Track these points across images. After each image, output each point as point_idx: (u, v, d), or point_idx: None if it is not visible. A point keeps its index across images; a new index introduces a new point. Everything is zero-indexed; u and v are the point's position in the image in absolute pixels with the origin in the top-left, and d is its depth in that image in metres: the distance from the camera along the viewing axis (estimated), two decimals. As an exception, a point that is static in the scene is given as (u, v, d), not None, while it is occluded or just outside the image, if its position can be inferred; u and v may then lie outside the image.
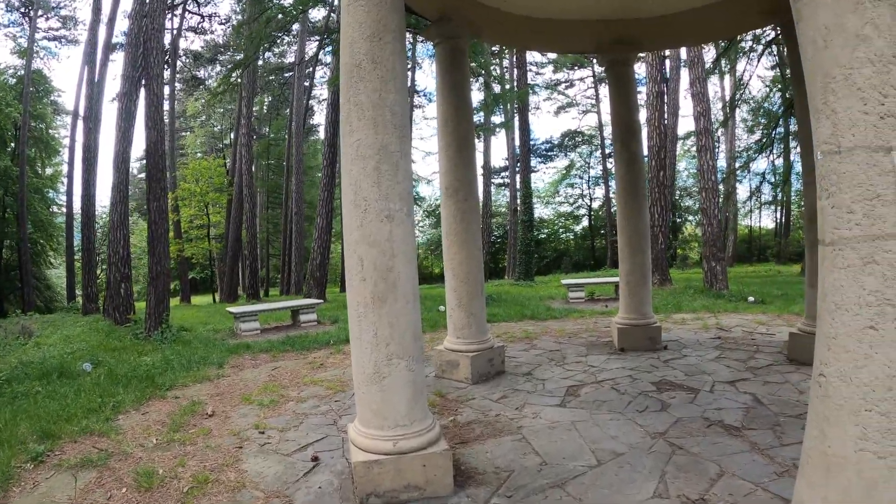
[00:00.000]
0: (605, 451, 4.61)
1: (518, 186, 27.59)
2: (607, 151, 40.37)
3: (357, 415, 4.25)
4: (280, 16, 18.98)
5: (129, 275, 14.31)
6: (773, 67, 23.69)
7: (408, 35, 18.72)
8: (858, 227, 2.22)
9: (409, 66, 27.77)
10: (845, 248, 2.26)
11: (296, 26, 28.10)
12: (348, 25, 4.14)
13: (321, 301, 15.08)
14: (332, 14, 23.17)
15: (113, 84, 40.04)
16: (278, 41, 31.11)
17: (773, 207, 40.67)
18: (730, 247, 32.71)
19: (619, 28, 8.08)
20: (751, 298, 13.23)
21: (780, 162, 30.59)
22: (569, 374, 7.13)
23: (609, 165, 40.01)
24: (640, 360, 7.60)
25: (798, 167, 31.43)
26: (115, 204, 14.75)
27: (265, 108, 40.07)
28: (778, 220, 41.06)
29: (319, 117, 40.65)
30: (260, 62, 30.86)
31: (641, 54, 18.26)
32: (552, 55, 35.71)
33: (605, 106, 39.72)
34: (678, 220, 35.49)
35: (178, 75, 33.47)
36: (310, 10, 24.49)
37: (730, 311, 11.97)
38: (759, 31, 17.27)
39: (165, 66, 23.17)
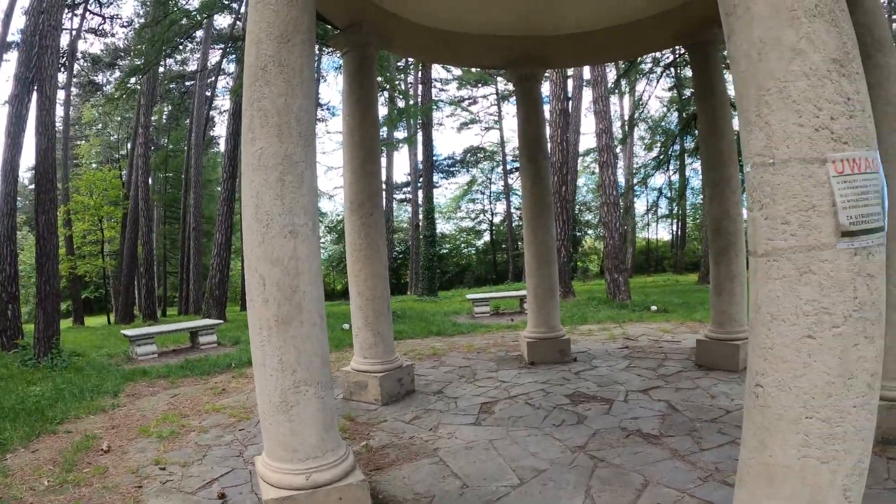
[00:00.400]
0: (527, 468, 4.53)
1: (420, 202, 27.64)
2: (509, 167, 41.23)
3: (265, 447, 3.96)
4: (184, 20, 18.27)
5: (17, 295, 13.14)
6: (670, 88, 24.91)
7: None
8: (794, 238, 2.25)
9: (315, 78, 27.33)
10: (780, 259, 2.28)
11: (199, 33, 27.17)
12: (255, 24, 3.90)
13: (221, 321, 14.42)
14: (237, 22, 22.55)
15: (6, 86, 37.36)
16: (181, 47, 29.93)
17: (669, 220, 42.66)
18: (629, 258, 33.99)
19: (528, 44, 8.18)
20: (654, 307, 13.67)
21: (676, 178, 32.31)
22: (481, 390, 7.04)
23: (511, 181, 40.88)
24: (552, 374, 7.62)
25: (693, 182, 33.40)
26: (1, 216, 13.59)
27: (164, 117, 38.34)
28: (674, 233, 43.32)
29: (220, 129, 39.23)
30: (161, 69, 29.56)
31: (547, 73, 18.67)
32: (457, 72, 36.19)
33: (508, 123, 40.70)
34: (578, 233, 36.58)
35: (74, 79, 31.50)
36: (215, 17, 23.72)
37: (634, 320, 12.31)
38: (658, 55, 18.11)
39: (62, 69, 21.75)
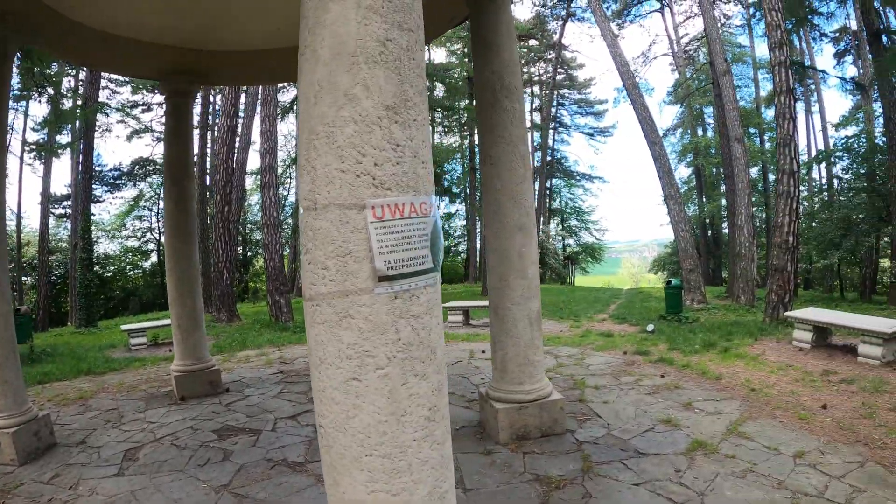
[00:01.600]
0: (169, 517, 4.19)
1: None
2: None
3: None
4: None
5: None
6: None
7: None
8: (333, 283, 2.25)
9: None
10: (322, 304, 2.28)
11: None
12: None
13: None
14: None
15: None
16: None
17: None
18: (299, 278, 34.17)
19: (189, 57, 7.70)
20: (312, 329, 13.82)
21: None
22: (126, 435, 6.45)
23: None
24: (202, 408, 7.30)
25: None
26: None
27: None
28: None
29: None
30: None
31: (219, 87, 17.75)
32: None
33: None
34: (249, 253, 35.88)
35: None
36: None
37: (294, 342, 12.39)
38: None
39: None
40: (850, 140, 21.50)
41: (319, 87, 2.28)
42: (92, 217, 27.54)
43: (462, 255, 44.87)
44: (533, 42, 41.38)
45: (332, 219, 2.23)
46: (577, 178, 49.31)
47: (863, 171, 20.53)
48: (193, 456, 5.59)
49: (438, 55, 39.62)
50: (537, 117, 45.44)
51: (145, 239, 41.13)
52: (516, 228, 5.67)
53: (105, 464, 5.60)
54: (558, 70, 42.52)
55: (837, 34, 27.26)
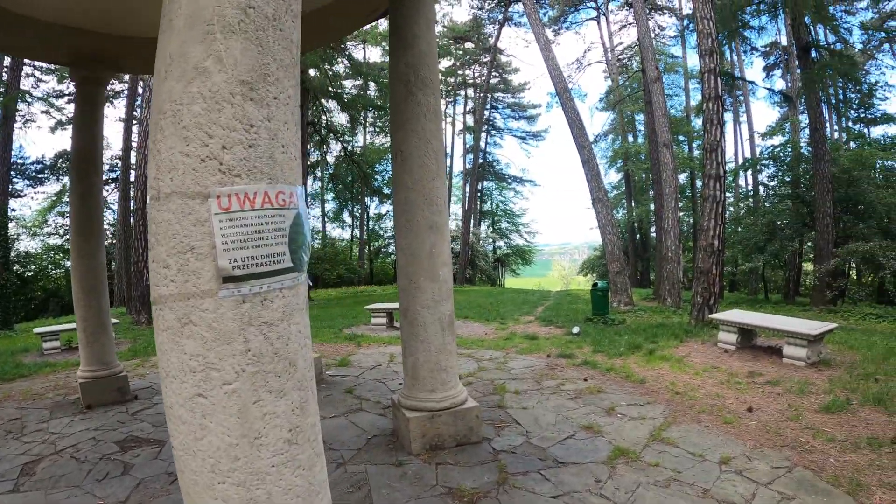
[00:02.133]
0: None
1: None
2: (107, 177, 37.04)
3: None
4: None
5: None
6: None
7: None
8: (174, 284, 1.96)
9: None
10: (164, 308, 1.99)
11: None
12: None
13: None
14: None
15: None
16: None
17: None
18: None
19: (98, 42, 7.15)
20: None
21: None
22: (26, 447, 6.02)
23: (106, 192, 36.82)
24: (108, 417, 6.87)
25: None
26: None
27: None
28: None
29: None
30: None
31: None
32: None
33: (111, 126, 36.52)
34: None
35: None
36: None
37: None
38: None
39: None
40: (777, 149, 22.30)
41: (171, 59, 2.00)
42: (11, 213, 26.19)
43: (392, 255, 44.75)
44: (469, 45, 41.64)
45: (174, 210, 1.95)
46: (509, 180, 50.03)
47: (788, 179, 21.28)
48: (93, 470, 5.25)
49: (374, 54, 39.40)
50: (470, 120, 45.92)
51: (68, 237, 39.04)
52: (427, 227, 5.41)
53: (0, 479, 5.22)
54: (493, 74, 42.85)
55: (768, 48, 28.29)
